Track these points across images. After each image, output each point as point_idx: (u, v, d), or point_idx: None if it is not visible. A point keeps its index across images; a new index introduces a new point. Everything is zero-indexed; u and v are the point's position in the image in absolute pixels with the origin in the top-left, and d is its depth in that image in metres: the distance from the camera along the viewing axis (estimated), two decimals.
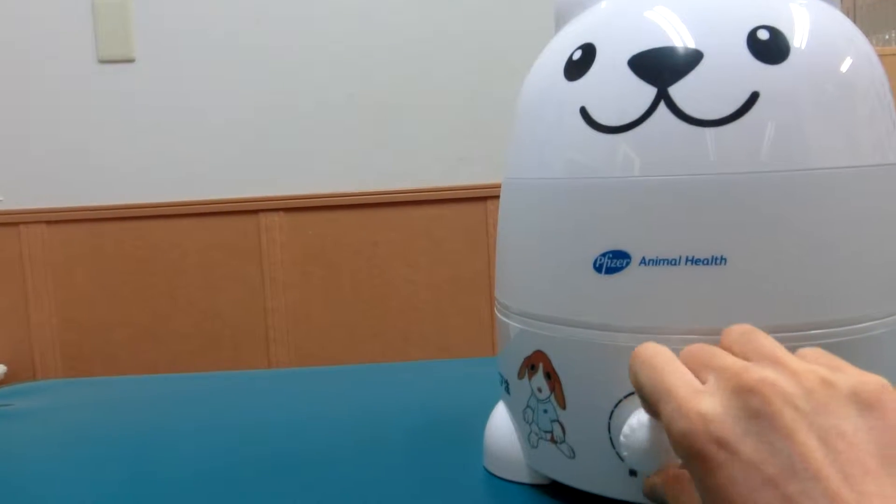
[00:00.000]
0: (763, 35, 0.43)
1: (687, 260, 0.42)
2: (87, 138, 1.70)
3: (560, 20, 0.54)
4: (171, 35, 1.68)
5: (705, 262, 0.42)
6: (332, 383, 0.83)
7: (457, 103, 1.74)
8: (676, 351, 0.43)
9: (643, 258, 0.43)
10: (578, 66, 0.46)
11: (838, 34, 0.46)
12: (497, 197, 1.68)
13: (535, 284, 0.49)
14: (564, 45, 0.49)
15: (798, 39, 0.44)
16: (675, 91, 0.42)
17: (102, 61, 1.66)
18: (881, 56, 1.70)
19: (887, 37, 2.67)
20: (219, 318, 1.74)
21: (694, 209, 0.42)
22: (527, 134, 0.50)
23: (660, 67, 0.43)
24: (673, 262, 0.42)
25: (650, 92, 0.43)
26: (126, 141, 1.71)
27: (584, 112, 0.45)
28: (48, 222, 1.67)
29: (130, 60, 1.67)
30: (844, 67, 0.44)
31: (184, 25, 1.69)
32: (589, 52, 0.46)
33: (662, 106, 0.42)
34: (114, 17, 1.61)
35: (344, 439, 0.64)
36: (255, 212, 1.69)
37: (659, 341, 0.43)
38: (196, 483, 0.57)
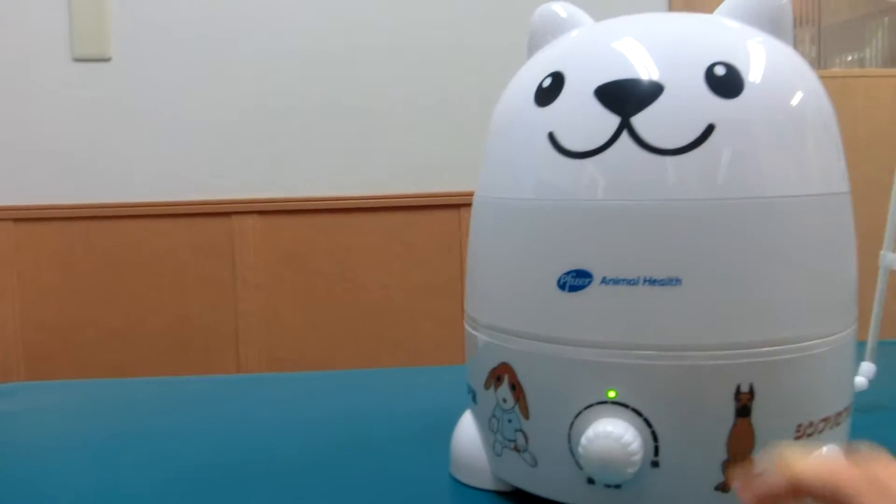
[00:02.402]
0: (720, 71, 0.46)
1: (645, 280, 0.45)
2: (59, 136, 1.69)
3: (533, 46, 0.56)
4: (147, 35, 1.68)
5: (662, 282, 0.45)
6: (302, 389, 0.84)
7: (432, 111, 1.76)
8: (635, 367, 0.46)
9: (604, 277, 0.46)
10: (548, 93, 0.49)
11: (790, 70, 0.49)
12: (470, 204, 1.71)
13: (502, 299, 0.51)
14: (536, 71, 0.51)
15: (752, 75, 0.46)
16: (637, 121, 0.45)
17: (77, 59, 1.65)
18: (845, 78, 1.77)
19: (850, 58, 2.75)
20: (189, 320, 1.74)
21: (652, 233, 0.45)
22: (498, 154, 0.53)
23: (624, 98, 0.46)
24: (632, 282, 0.45)
25: (614, 121, 0.45)
26: (99, 140, 1.70)
27: (552, 137, 0.47)
28: (16, 220, 1.66)
29: (106, 59, 1.66)
30: (795, 102, 0.47)
31: (161, 26, 1.69)
32: (558, 80, 0.49)
33: (625, 134, 0.45)
34: (90, 15, 1.61)
35: (312, 445, 0.66)
36: (229, 214, 1.70)
37: (617, 357, 0.46)
38: (163, 490, 0.58)
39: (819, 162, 0.48)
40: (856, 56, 2.52)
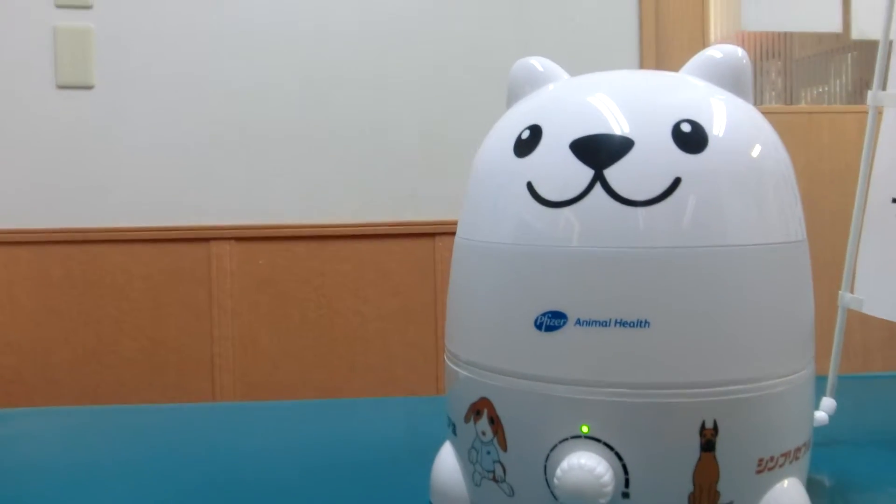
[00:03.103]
0: (686, 128, 0.49)
1: (616, 322, 0.48)
2: (40, 161, 1.69)
3: (511, 97, 0.60)
4: (130, 63, 1.70)
5: (631, 324, 0.48)
6: (282, 418, 0.86)
7: (409, 141, 1.79)
8: (606, 403, 0.49)
9: (578, 319, 0.49)
10: (526, 144, 0.52)
11: (750, 126, 0.53)
12: (445, 234, 1.75)
13: (481, 337, 0.54)
14: (515, 123, 0.55)
15: (715, 131, 0.50)
16: (610, 174, 0.48)
17: (61, 87, 1.67)
18: (812, 113, 1.84)
19: (819, 90, 2.84)
20: (164, 345, 1.74)
21: (622, 278, 0.48)
22: (479, 200, 0.56)
23: (597, 152, 0.49)
24: (604, 324, 0.48)
25: (588, 173, 0.49)
26: (80, 165, 1.71)
27: (530, 187, 0.51)
28: None
29: (89, 87, 1.68)
30: (755, 156, 0.51)
31: (142, 55, 1.71)
32: (536, 132, 0.52)
33: (598, 186, 0.48)
34: (75, 43, 1.63)
35: (292, 474, 0.68)
36: (207, 240, 1.71)
37: (590, 394, 0.49)
38: None
39: (778, 212, 0.52)
40: (822, 89, 2.61)
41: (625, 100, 0.52)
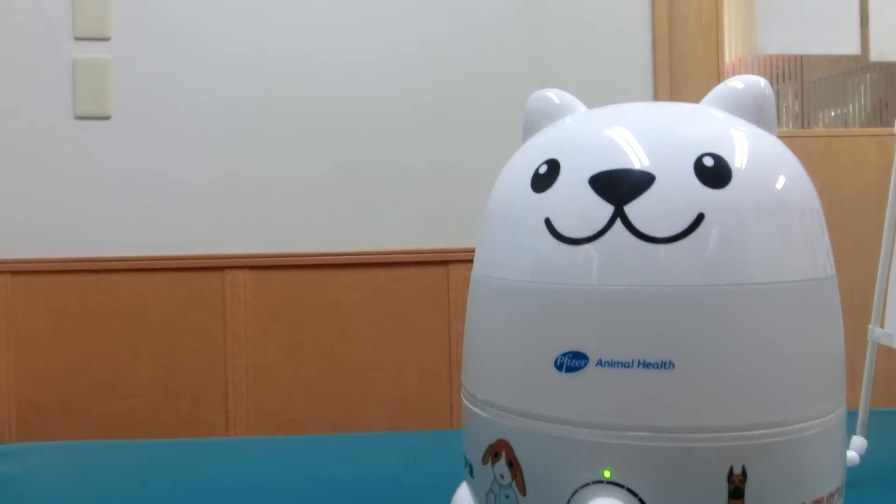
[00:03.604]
0: (708, 162, 0.48)
1: (639, 363, 0.46)
2: (58, 191, 1.70)
3: (528, 129, 0.59)
4: (147, 94, 1.71)
5: (655, 365, 0.46)
6: (294, 454, 0.84)
7: (423, 168, 1.79)
8: (629, 447, 0.47)
9: (600, 360, 0.47)
10: (544, 179, 0.51)
11: (774, 158, 0.52)
12: (459, 261, 1.73)
13: (499, 377, 0.53)
14: (532, 157, 0.54)
15: (739, 166, 0.49)
16: (631, 210, 0.47)
17: (79, 117, 1.68)
18: (830, 137, 1.82)
19: (833, 113, 2.82)
20: (179, 373, 1.74)
21: (645, 317, 0.46)
22: (496, 236, 0.55)
23: (617, 188, 0.48)
24: (626, 365, 0.46)
25: (608, 209, 0.47)
26: (97, 195, 1.72)
27: (548, 223, 0.49)
28: (13, 273, 1.67)
29: (106, 118, 1.69)
30: (780, 191, 0.50)
31: (161, 86, 1.72)
32: (554, 167, 0.51)
33: (619, 223, 0.47)
34: (93, 74, 1.64)
35: None
36: (221, 268, 1.70)
37: (612, 438, 0.47)
38: None
39: (805, 247, 0.50)
40: (839, 111, 2.58)
41: (644, 133, 0.50)
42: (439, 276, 1.76)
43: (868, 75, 2.54)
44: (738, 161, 0.49)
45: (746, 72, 2.20)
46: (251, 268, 1.72)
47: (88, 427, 1.73)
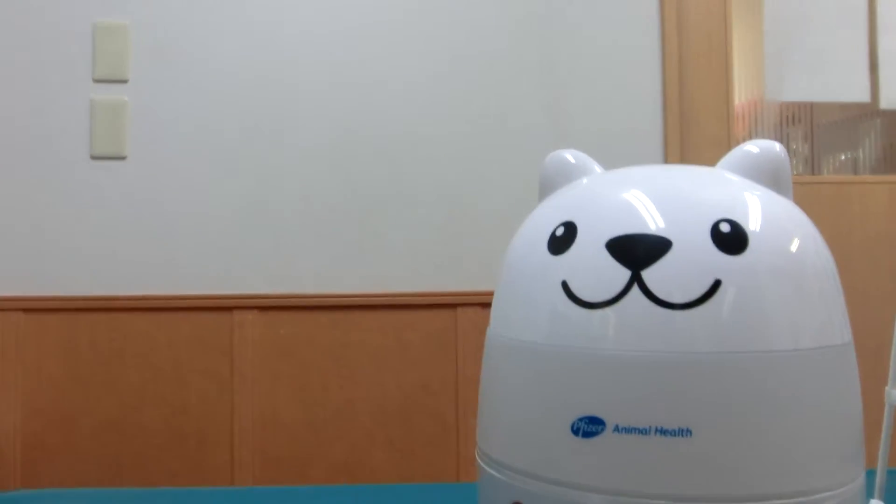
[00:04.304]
0: (725, 228, 0.48)
1: (657, 430, 0.46)
2: (72, 229, 1.72)
3: (544, 189, 0.59)
4: (162, 136, 1.73)
5: (673, 433, 0.46)
6: None
7: (432, 212, 1.80)
8: None
9: (616, 425, 0.47)
10: (561, 242, 0.51)
11: (791, 224, 0.52)
12: (467, 304, 1.72)
13: (515, 438, 0.52)
14: (549, 218, 0.54)
15: (756, 231, 0.49)
16: (648, 275, 0.47)
17: (95, 157, 1.70)
18: (840, 184, 1.81)
19: (843, 157, 2.82)
20: (185, 414, 1.73)
21: (663, 384, 0.46)
22: (513, 295, 0.55)
23: (634, 252, 0.48)
24: (644, 432, 0.46)
25: (625, 274, 0.47)
26: (109, 234, 1.73)
27: (565, 286, 0.49)
28: (25, 310, 1.67)
29: (122, 158, 1.71)
30: (797, 258, 0.50)
31: (175, 127, 1.74)
32: (571, 230, 0.51)
33: (636, 288, 0.47)
34: (110, 115, 1.67)
35: None
36: (230, 309, 1.71)
37: None
38: None
39: (822, 314, 0.50)
40: (849, 155, 2.59)
41: (661, 197, 0.51)
42: (447, 319, 1.76)
43: (878, 120, 2.55)
44: (754, 227, 0.49)
45: (756, 115, 2.21)
46: (260, 308, 1.72)
47: (93, 468, 1.71)
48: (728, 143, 2.04)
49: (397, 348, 1.78)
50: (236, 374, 1.75)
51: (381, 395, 1.80)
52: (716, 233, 0.48)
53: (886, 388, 0.65)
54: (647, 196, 0.51)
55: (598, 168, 0.58)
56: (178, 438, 1.74)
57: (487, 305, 2.04)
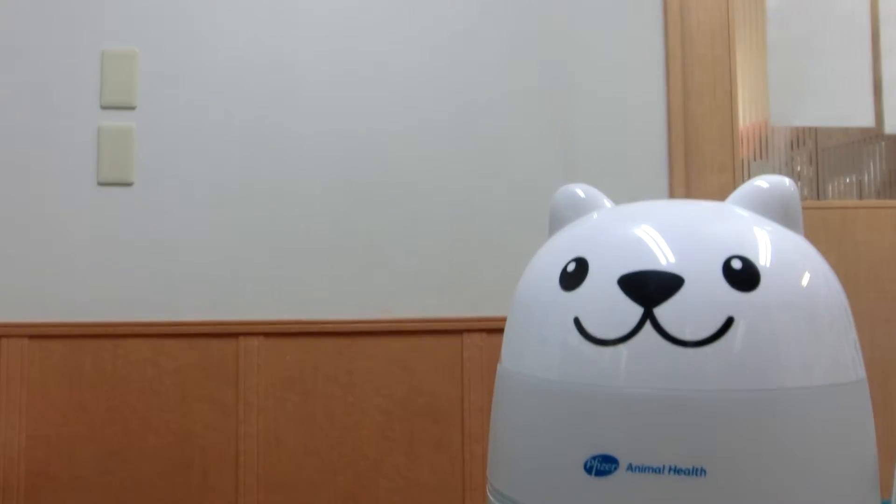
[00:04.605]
0: (737, 264, 0.48)
1: (670, 469, 0.46)
2: (77, 256, 1.72)
3: (555, 223, 0.59)
4: (168, 162, 1.74)
5: (686, 472, 0.45)
6: None
7: (438, 237, 1.80)
8: None
9: (630, 464, 0.46)
10: (573, 278, 0.51)
11: (802, 260, 0.52)
12: (474, 330, 1.71)
13: (527, 476, 0.52)
14: (560, 253, 0.54)
15: (767, 268, 0.49)
16: (660, 312, 0.47)
17: (101, 184, 1.71)
18: (845, 209, 1.81)
19: (848, 180, 2.82)
20: (189, 440, 1.72)
21: (676, 422, 0.46)
22: (524, 332, 0.55)
23: (646, 289, 0.48)
24: (657, 471, 0.46)
25: (637, 311, 0.47)
26: (114, 260, 1.73)
27: (577, 322, 0.49)
28: (30, 336, 1.67)
29: (128, 184, 1.72)
30: (807, 293, 0.50)
31: (182, 154, 1.75)
32: (582, 266, 0.51)
33: (648, 325, 0.47)
34: (117, 142, 1.68)
35: None
36: (236, 335, 1.70)
37: None
38: None
39: (835, 351, 0.50)
40: (853, 178, 2.59)
41: (672, 233, 0.51)
42: (454, 346, 1.75)
43: (882, 143, 2.56)
44: (765, 263, 0.49)
45: (761, 138, 2.22)
46: (266, 334, 1.72)
47: (97, 495, 1.70)
48: (733, 167, 2.05)
49: (403, 375, 1.78)
50: (241, 400, 1.74)
51: (387, 423, 1.79)
52: (727, 269, 0.48)
53: None
54: (658, 232, 0.51)
55: (608, 202, 0.58)
56: (181, 467, 1.73)
57: (494, 331, 2.04)
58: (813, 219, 2.06)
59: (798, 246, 0.53)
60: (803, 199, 2.42)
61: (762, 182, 0.55)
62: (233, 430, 1.72)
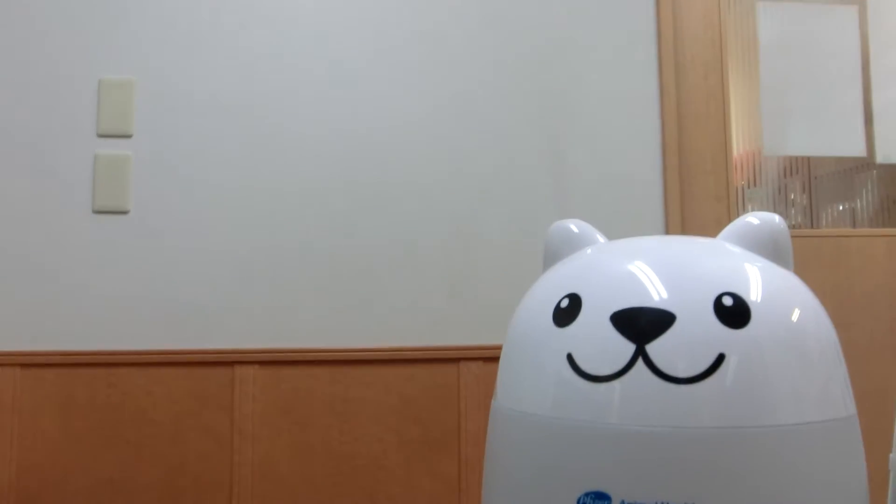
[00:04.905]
0: (728, 301, 0.49)
1: None
2: (71, 284, 1.72)
3: (549, 258, 0.60)
4: (164, 190, 1.75)
5: None
6: None
7: (434, 265, 1.80)
8: None
9: (623, 501, 0.47)
10: (566, 314, 0.51)
11: (792, 296, 0.52)
12: (470, 359, 1.71)
13: None
14: (554, 289, 0.54)
15: (758, 304, 0.49)
16: (652, 349, 0.47)
17: (97, 211, 1.71)
18: (839, 238, 1.82)
19: (841, 208, 2.84)
20: (183, 471, 1.71)
21: (668, 459, 0.46)
22: (518, 367, 0.55)
23: (638, 326, 0.48)
24: None
25: (629, 348, 0.48)
26: (109, 288, 1.73)
27: (570, 359, 0.50)
28: (22, 365, 1.67)
29: (124, 212, 1.73)
30: (799, 330, 0.50)
31: (178, 181, 1.75)
32: (575, 302, 0.52)
33: (640, 362, 0.47)
34: (114, 170, 1.69)
35: None
36: (231, 364, 1.70)
37: None
38: None
39: (826, 387, 0.50)
40: (847, 206, 2.60)
41: (664, 270, 0.51)
42: (450, 374, 1.75)
43: (874, 172, 2.58)
44: (756, 300, 0.50)
45: (755, 166, 2.23)
46: (261, 363, 1.72)
47: None
48: (727, 195, 2.06)
49: (399, 403, 1.77)
50: (236, 429, 1.73)
51: (383, 452, 1.78)
52: (718, 306, 0.49)
53: (891, 455, 0.64)
54: (650, 268, 0.52)
55: (601, 237, 0.58)
56: (175, 497, 1.71)
57: (490, 360, 2.03)
58: (807, 247, 2.07)
59: (788, 282, 0.53)
60: (798, 226, 2.43)
61: (753, 219, 0.55)
62: (227, 459, 1.71)
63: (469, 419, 1.79)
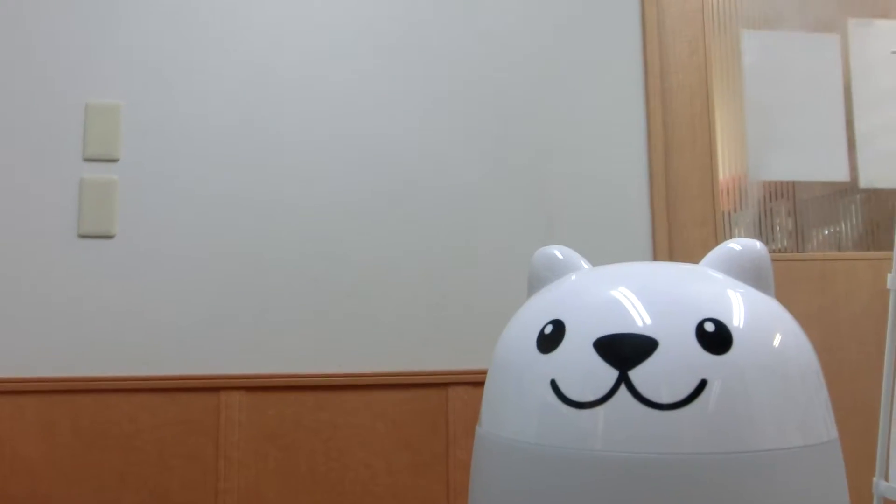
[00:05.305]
0: (709, 327, 0.49)
1: None
2: (55, 309, 1.70)
3: (533, 284, 0.60)
4: (150, 215, 1.74)
5: None
6: None
7: (420, 290, 1.80)
8: None
9: None
10: (550, 340, 0.52)
11: (774, 322, 0.53)
12: (458, 384, 1.71)
13: None
14: (538, 315, 0.55)
15: (740, 330, 0.50)
16: (635, 375, 0.47)
17: (82, 236, 1.71)
18: (825, 261, 1.83)
19: (827, 232, 2.86)
20: (168, 498, 1.69)
21: (652, 485, 0.46)
22: (502, 394, 0.55)
23: (621, 352, 0.48)
24: None
25: (612, 374, 0.48)
26: (93, 313, 1.72)
27: (554, 385, 0.50)
28: (3, 392, 1.64)
29: (110, 237, 1.72)
30: (779, 354, 0.50)
31: (164, 207, 1.75)
32: (559, 328, 0.52)
33: (623, 388, 0.47)
34: (100, 194, 1.69)
35: None
36: (216, 389, 1.68)
37: None
38: None
39: (808, 412, 0.50)
40: (832, 230, 2.63)
41: (647, 296, 0.52)
42: (438, 399, 1.74)
43: (858, 196, 2.61)
44: (738, 326, 0.50)
45: (740, 190, 2.25)
46: (247, 388, 1.70)
47: None
48: (714, 219, 2.08)
49: (386, 429, 1.76)
50: (221, 456, 1.72)
51: (371, 478, 1.77)
52: (701, 332, 0.49)
53: (874, 479, 0.64)
54: (633, 294, 0.52)
55: (585, 264, 0.59)
56: None
57: (479, 384, 2.03)
58: (793, 271, 2.08)
59: (770, 308, 0.53)
60: (784, 250, 2.45)
61: (735, 245, 0.56)
62: (212, 486, 1.69)
63: (457, 445, 1.78)
